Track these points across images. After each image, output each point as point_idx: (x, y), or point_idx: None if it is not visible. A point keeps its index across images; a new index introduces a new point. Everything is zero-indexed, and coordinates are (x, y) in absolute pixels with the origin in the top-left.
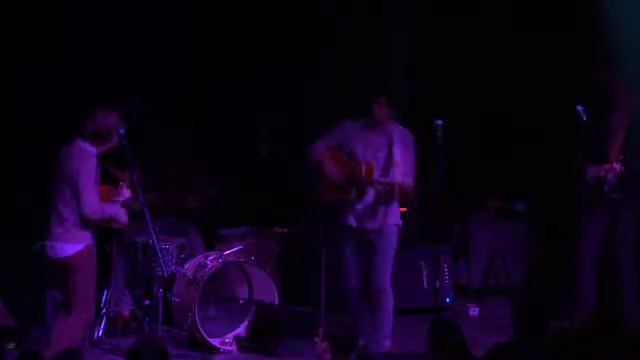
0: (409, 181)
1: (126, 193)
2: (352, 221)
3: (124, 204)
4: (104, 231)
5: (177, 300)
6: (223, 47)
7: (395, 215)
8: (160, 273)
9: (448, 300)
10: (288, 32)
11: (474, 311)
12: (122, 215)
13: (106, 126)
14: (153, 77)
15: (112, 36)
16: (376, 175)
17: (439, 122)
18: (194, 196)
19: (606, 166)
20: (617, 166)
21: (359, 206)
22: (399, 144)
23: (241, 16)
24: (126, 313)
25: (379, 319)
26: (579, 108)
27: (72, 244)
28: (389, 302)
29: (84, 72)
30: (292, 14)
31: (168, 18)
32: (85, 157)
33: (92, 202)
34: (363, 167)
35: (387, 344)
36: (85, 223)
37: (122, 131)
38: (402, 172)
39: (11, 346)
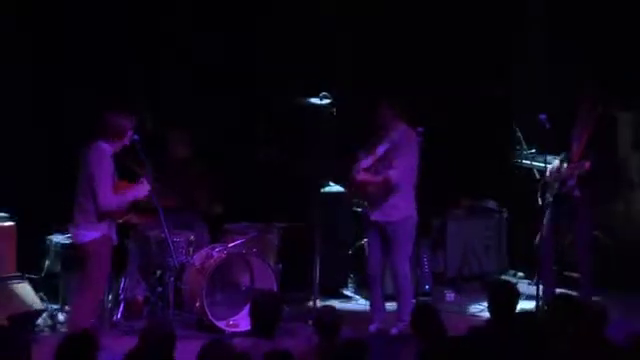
0: (393, 175)
1: (146, 186)
2: (369, 213)
3: (144, 195)
4: (122, 226)
5: (186, 287)
6: (222, 48)
7: (404, 206)
8: (171, 263)
9: (427, 287)
10: (288, 35)
11: (450, 297)
12: (142, 191)
13: (117, 126)
14: (153, 79)
15: (112, 39)
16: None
17: (419, 129)
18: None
19: (572, 164)
20: (587, 164)
21: (371, 199)
22: (395, 144)
23: (241, 17)
24: (140, 299)
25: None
26: (542, 117)
27: (90, 232)
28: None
29: (91, 75)
30: (291, 17)
31: (168, 18)
32: (101, 155)
33: (107, 195)
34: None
35: (399, 326)
36: (102, 214)
37: (136, 137)
38: (386, 167)
39: (40, 328)
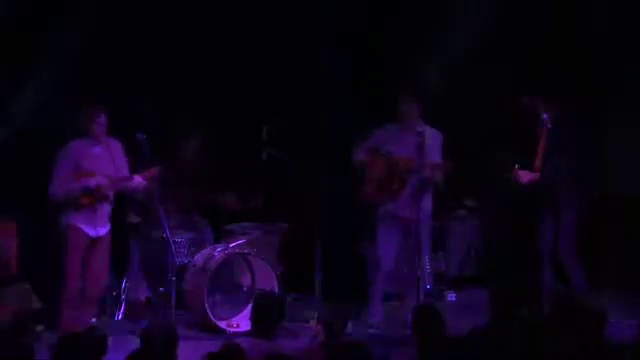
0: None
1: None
2: (396, 210)
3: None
4: (123, 226)
5: (188, 287)
6: (224, 52)
7: (429, 204)
8: (173, 263)
9: (428, 287)
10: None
11: (451, 297)
12: (93, 181)
13: (89, 119)
14: (157, 80)
15: (112, 38)
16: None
17: (419, 129)
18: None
19: (517, 172)
20: (525, 177)
21: (401, 196)
22: (429, 141)
23: (241, 18)
24: (142, 299)
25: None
26: (545, 117)
27: (62, 219)
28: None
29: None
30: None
31: (169, 19)
32: (64, 149)
33: (52, 186)
34: (401, 161)
35: None
36: (53, 202)
37: (143, 136)
38: (433, 165)
39: (40, 328)
